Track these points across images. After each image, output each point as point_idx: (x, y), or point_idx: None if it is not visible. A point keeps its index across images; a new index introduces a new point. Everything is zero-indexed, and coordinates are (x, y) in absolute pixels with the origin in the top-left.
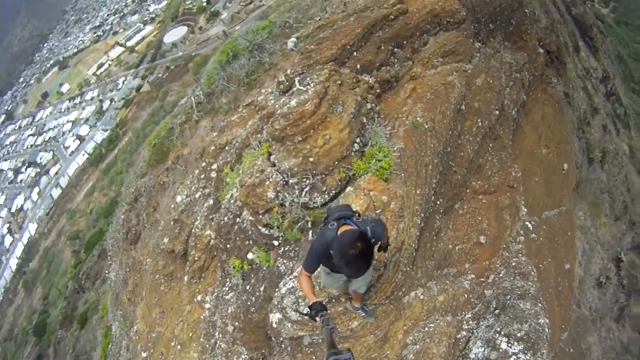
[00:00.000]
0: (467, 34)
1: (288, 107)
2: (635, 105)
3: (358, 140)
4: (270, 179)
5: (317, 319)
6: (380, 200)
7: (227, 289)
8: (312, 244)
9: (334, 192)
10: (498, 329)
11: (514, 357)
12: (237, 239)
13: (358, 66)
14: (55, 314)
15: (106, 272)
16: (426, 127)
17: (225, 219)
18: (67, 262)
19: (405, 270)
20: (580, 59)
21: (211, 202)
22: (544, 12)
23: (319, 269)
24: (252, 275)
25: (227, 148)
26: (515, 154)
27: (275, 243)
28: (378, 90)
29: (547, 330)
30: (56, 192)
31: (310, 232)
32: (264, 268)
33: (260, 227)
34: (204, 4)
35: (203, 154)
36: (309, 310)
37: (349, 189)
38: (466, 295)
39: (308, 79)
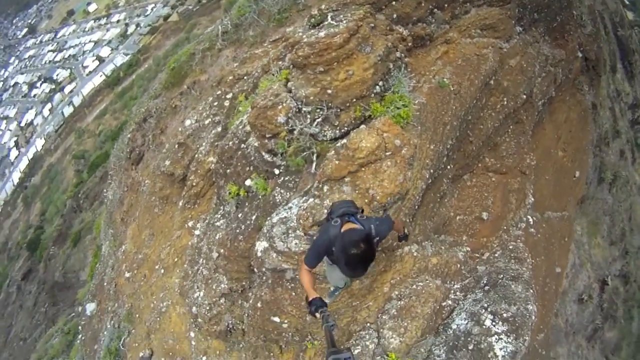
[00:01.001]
0: (510, 15)
1: (316, 37)
2: None
3: (381, 83)
4: (284, 104)
5: (317, 315)
6: (393, 143)
7: (219, 216)
8: (315, 239)
9: (346, 128)
10: (485, 305)
11: (495, 336)
12: (239, 164)
13: (394, 15)
14: (50, 230)
15: (105, 190)
16: (452, 89)
17: (230, 143)
18: (69, 180)
19: (404, 220)
20: (615, 80)
21: (219, 129)
22: (591, 20)
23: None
24: (247, 204)
25: (245, 78)
26: (533, 145)
27: (276, 171)
28: (410, 44)
29: (533, 317)
30: (68, 110)
31: (314, 164)
32: (260, 197)
33: (263, 153)
34: None
35: (220, 82)
36: (308, 306)
37: (362, 127)
38: (458, 266)
39: (341, 15)
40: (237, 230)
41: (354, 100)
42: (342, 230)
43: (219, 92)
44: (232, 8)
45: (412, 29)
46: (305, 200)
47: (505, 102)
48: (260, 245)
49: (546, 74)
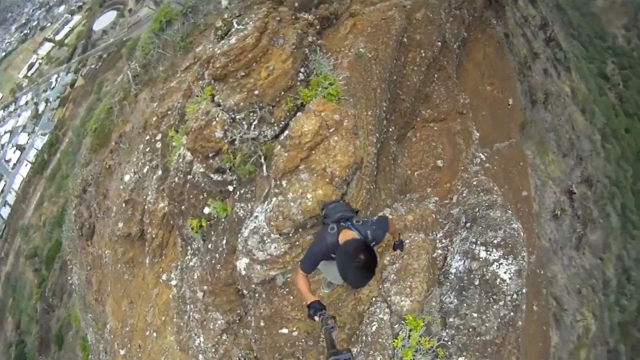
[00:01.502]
0: None
1: (228, 45)
2: (575, 49)
3: (302, 70)
4: (217, 119)
5: (316, 318)
6: (333, 119)
7: (189, 256)
8: (311, 245)
9: (283, 122)
10: (473, 240)
11: (495, 263)
12: (191, 196)
13: (296, 4)
14: (31, 341)
15: (69, 278)
16: (369, 56)
17: (176, 179)
18: (30, 283)
19: (368, 188)
20: (519, 8)
21: (160, 172)
22: None
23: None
24: (212, 232)
25: (169, 113)
26: (462, 86)
27: (230, 188)
28: (318, 27)
29: (521, 234)
30: (5, 212)
31: (264, 167)
32: (223, 219)
33: (212, 175)
34: None
35: (146, 126)
36: (307, 309)
37: (299, 114)
38: (434, 216)
39: (246, 18)
40: (213, 261)
41: (282, 93)
42: (340, 240)
43: (148, 136)
44: (135, 51)
45: (316, 12)
46: (268, 202)
47: (424, 54)
48: (241, 263)
49: (453, 18)
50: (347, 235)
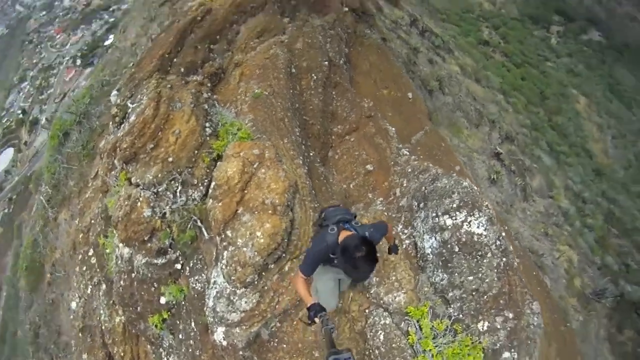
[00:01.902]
0: (274, 12)
1: (129, 125)
2: (449, 31)
3: (207, 125)
4: (140, 198)
5: (317, 319)
6: (253, 154)
7: (165, 357)
8: (310, 246)
9: (206, 180)
10: (433, 215)
11: (465, 224)
12: (143, 293)
13: (182, 69)
14: None
15: None
16: (266, 93)
17: (122, 283)
18: None
19: (313, 206)
20: (386, 15)
21: (104, 286)
22: None
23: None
24: (178, 321)
25: (92, 222)
26: (361, 95)
27: (178, 266)
28: (209, 85)
29: (474, 188)
30: None
31: (203, 229)
32: (183, 302)
33: (155, 261)
34: (20, 116)
35: (75, 246)
36: (307, 311)
37: (219, 164)
38: (385, 214)
39: (138, 96)
40: (190, 350)
41: (196, 152)
42: (340, 237)
43: (80, 255)
44: (41, 177)
45: (204, 72)
46: (221, 260)
47: (315, 77)
48: (218, 334)
49: (331, 38)
50: (347, 234)
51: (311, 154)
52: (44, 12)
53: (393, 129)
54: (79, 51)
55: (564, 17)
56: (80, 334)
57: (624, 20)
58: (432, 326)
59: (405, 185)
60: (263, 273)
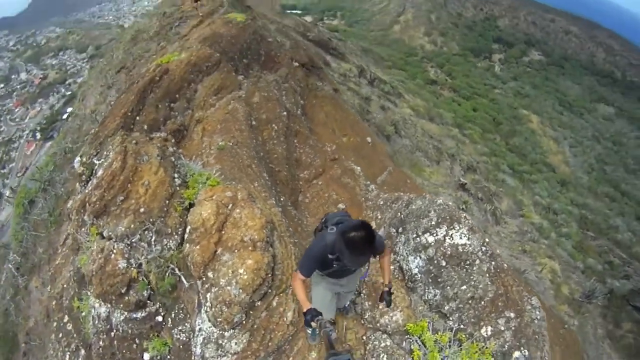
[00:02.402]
0: (228, 70)
1: (97, 179)
2: (396, 76)
3: (176, 175)
4: (114, 251)
5: (313, 323)
6: (226, 196)
7: None
8: (310, 247)
9: (180, 228)
10: (414, 236)
11: (447, 238)
12: (124, 351)
13: (145, 127)
14: None
15: None
16: (230, 144)
17: (101, 343)
18: None
19: (293, 241)
20: (334, 69)
21: (83, 351)
22: (284, 36)
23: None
24: None
25: (64, 287)
26: (323, 141)
27: (160, 319)
28: (173, 140)
29: (450, 204)
30: None
31: (183, 278)
32: (168, 356)
33: (135, 315)
34: None
35: (48, 314)
36: (304, 316)
37: (192, 209)
38: None
39: (104, 152)
40: None
41: (167, 201)
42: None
43: (55, 322)
44: (9, 246)
45: (166, 129)
46: (205, 305)
47: (276, 127)
48: None
49: (286, 90)
50: None
51: (282, 199)
52: (1, 85)
53: (358, 168)
54: (38, 125)
55: (502, 44)
56: None
57: (559, 35)
58: (436, 339)
59: (379, 217)
60: (250, 311)
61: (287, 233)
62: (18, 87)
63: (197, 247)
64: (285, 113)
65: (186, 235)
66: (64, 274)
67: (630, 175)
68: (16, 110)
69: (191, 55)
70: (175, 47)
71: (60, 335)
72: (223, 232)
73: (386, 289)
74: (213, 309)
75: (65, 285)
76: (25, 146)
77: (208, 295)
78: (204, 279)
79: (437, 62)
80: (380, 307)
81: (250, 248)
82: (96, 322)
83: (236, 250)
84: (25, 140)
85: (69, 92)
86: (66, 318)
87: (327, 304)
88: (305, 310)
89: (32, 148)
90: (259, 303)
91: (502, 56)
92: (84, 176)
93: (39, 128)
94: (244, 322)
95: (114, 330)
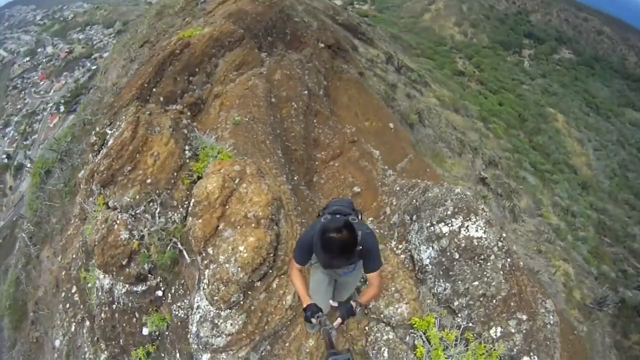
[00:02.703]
0: (251, 47)
1: (107, 148)
2: (423, 65)
3: (187, 148)
4: (118, 221)
5: (313, 320)
6: (234, 170)
7: None
8: (302, 233)
9: (186, 202)
10: (428, 225)
11: (462, 229)
12: (124, 324)
13: (161, 99)
14: None
15: None
16: (247, 119)
17: (103, 315)
18: None
19: (300, 221)
20: (361, 54)
21: (88, 323)
22: (313, 18)
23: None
24: (162, 354)
25: (74, 257)
26: (343, 123)
27: (160, 293)
28: (189, 113)
29: (468, 194)
30: None
31: (185, 251)
32: (166, 332)
33: (136, 288)
34: (5, 161)
35: (58, 284)
36: (304, 312)
37: (198, 181)
38: (378, 232)
39: (117, 122)
40: None
41: (175, 174)
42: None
43: (63, 293)
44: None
45: (183, 102)
46: (203, 281)
47: (295, 105)
48: None
49: (309, 70)
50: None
51: (295, 178)
52: (27, 58)
53: (377, 152)
54: (62, 98)
55: (533, 39)
56: None
57: (591, 35)
58: (442, 337)
59: (394, 203)
60: (249, 292)
61: (294, 212)
62: (44, 60)
63: (199, 220)
64: (306, 92)
65: (190, 208)
66: (75, 244)
67: None
68: (41, 83)
69: (214, 30)
70: (200, 23)
71: (68, 305)
72: (227, 206)
73: (353, 303)
74: (210, 287)
75: (74, 256)
76: (49, 119)
77: (206, 272)
78: (204, 254)
79: (466, 53)
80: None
81: (253, 225)
82: (100, 293)
83: (239, 227)
84: (49, 112)
85: (95, 67)
86: (74, 289)
87: (323, 289)
88: (305, 305)
89: (55, 120)
90: (258, 284)
91: (532, 52)
92: (96, 146)
93: (62, 101)
94: (242, 302)
95: (116, 303)
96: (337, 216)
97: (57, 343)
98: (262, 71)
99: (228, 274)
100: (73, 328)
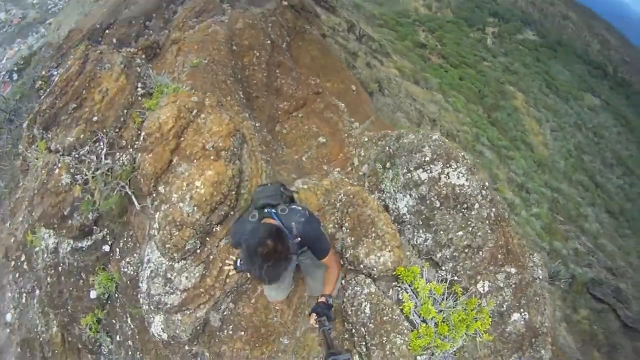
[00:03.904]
0: None
1: (50, 86)
2: (386, 35)
3: (140, 85)
4: (58, 165)
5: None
6: (191, 101)
7: None
8: (233, 229)
9: (137, 142)
10: (404, 171)
11: (442, 176)
12: (71, 288)
13: (114, 40)
14: None
15: None
16: (205, 61)
17: (49, 279)
18: None
19: (265, 158)
20: (323, 22)
21: (37, 291)
22: None
23: None
24: (114, 320)
25: (21, 220)
26: (307, 74)
27: (107, 248)
28: (143, 56)
29: (446, 141)
30: None
31: (134, 196)
32: (115, 293)
33: (81, 244)
34: None
35: (7, 253)
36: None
37: (148, 114)
38: (347, 181)
39: (65, 61)
40: (130, 352)
41: (126, 111)
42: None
43: (12, 262)
44: None
45: (137, 45)
46: (153, 227)
47: (258, 54)
48: (156, 326)
49: (272, 23)
50: (266, 223)
51: (257, 125)
52: None
53: (343, 104)
54: (15, 65)
55: (498, 18)
56: (19, 349)
57: (557, 19)
58: (430, 289)
59: (363, 154)
60: (207, 238)
61: (259, 148)
62: None
63: (150, 155)
64: (269, 42)
65: (139, 142)
66: (24, 207)
67: (606, 169)
68: None
69: None
70: None
71: (17, 275)
72: (182, 138)
73: (322, 299)
74: (161, 232)
75: (21, 219)
76: (2, 87)
77: (157, 215)
78: (154, 194)
79: (429, 26)
80: (312, 321)
81: (212, 157)
82: (45, 255)
83: (195, 160)
84: (1, 81)
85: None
86: (23, 257)
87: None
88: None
89: (9, 89)
90: (217, 228)
91: (496, 30)
92: (41, 91)
93: (16, 69)
94: (198, 251)
95: (61, 265)
96: (265, 211)
97: (8, 317)
98: (223, 19)
99: (182, 214)
100: (24, 299)
